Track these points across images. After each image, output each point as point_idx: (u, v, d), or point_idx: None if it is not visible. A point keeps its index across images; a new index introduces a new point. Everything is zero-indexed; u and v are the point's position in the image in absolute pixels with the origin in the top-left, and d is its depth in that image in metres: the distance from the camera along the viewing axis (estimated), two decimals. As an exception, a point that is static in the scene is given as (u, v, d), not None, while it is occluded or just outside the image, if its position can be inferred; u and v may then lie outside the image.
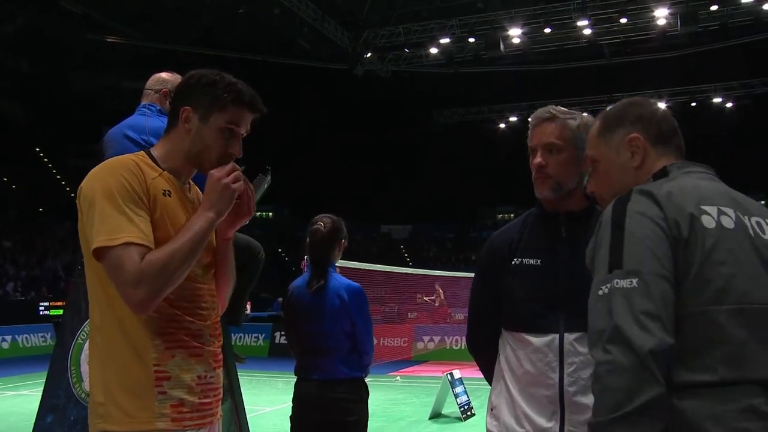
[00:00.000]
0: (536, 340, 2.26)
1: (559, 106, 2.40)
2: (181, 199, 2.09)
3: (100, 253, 1.88)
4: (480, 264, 2.55)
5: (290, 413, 3.77)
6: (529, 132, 2.42)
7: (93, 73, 27.19)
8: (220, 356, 2.13)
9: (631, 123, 1.92)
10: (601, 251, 1.70)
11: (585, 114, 2.40)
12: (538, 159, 2.33)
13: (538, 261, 2.32)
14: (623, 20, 18.86)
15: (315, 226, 3.79)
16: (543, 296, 2.28)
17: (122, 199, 1.91)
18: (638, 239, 1.64)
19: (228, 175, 2.05)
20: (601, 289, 1.64)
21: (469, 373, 13.02)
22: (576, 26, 19.75)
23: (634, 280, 1.59)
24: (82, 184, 1.98)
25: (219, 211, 2.04)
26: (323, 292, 3.71)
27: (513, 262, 2.35)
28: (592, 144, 1.99)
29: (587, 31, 19.78)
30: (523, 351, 2.30)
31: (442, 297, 20.04)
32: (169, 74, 3.72)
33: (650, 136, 1.91)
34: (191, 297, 2.05)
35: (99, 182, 1.94)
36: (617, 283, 1.61)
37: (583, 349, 2.19)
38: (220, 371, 2.13)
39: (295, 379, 3.78)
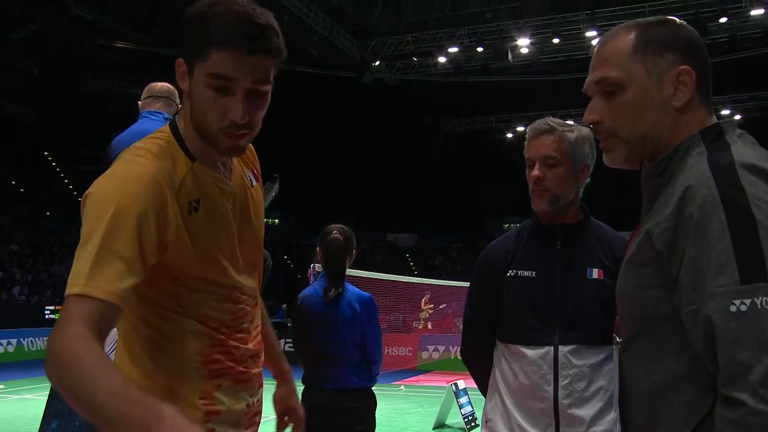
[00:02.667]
0: (531, 353, 2.27)
1: (557, 119, 2.40)
2: (216, 207, 1.62)
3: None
4: (475, 275, 2.55)
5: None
6: (526, 143, 2.41)
7: (102, 78, 27.32)
8: (262, 377, 1.79)
9: (682, 51, 1.50)
10: (716, 248, 1.29)
11: (584, 128, 2.40)
12: (536, 172, 2.33)
13: (533, 273, 2.33)
14: (632, 31, 18.87)
15: (332, 236, 3.81)
16: (538, 309, 2.29)
17: (118, 233, 1.40)
18: None
19: None
20: (735, 304, 1.25)
21: (474, 384, 12.99)
22: (584, 37, 19.79)
23: None
24: (89, 192, 1.48)
25: None
26: (336, 302, 3.73)
27: (508, 274, 2.36)
28: (618, 61, 1.52)
29: (596, 42, 19.78)
30: (518, 363, 2.31)
31: (425, 308, 19.63)
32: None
33: (700, 76, 1.50)
34: (233, 319, 1.68)
35: (106, 200, 1.43)
36: (765, 303, 1.24)
37: (578, 362, 2.22)
38: (262, 392, 1.79)
39: (303, 388, 3.79)
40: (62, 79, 26.70)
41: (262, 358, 1.80)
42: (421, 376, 16.71)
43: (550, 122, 2.37)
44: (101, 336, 1.34)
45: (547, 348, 2.25)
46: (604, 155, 1.61)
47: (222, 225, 1.64)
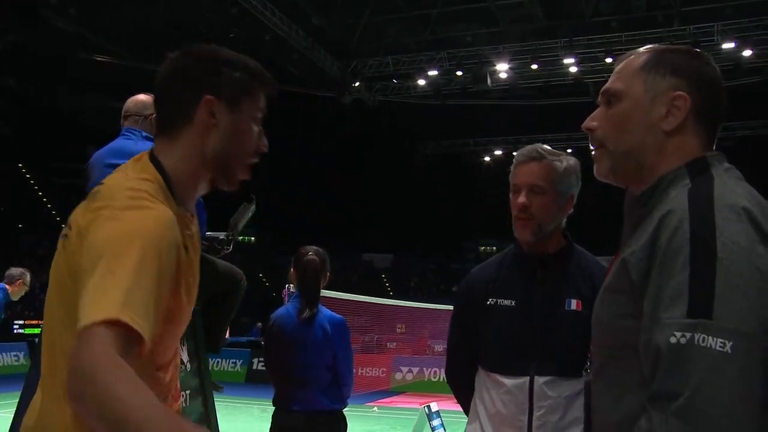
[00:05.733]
0: (508, 382, 2.28)
1: (546, 146, 2.39)
2: (194, 249, 1.63)
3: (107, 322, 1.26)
4: (457, 302, 2.56)
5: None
6: (512, 168, 2.39)
7: (80, 92, 27.15)
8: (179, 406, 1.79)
9: (687, 79, 1.51)
10: (675, 280, 1.30)
11: (571, 158, 2.41)
12: (522, 199, 2.31)
13: (513, 302, 2.32)
14: (609, 60, 19.12)
15: (308, 257, 3.80)
16: (515, 339, 2.29)
17: (145, 271, 1.34)
18: (737, 284, 1.27)
19: None
20: (675, 336, 1.27)
21: (448, 406, 12.94)
22: (563, 64, 20.01)
23: (728, 344, 1.23)
24: (108, 223, 1.40)
25: None
26: (309, 323, 3.71)
27: (488, 302, 2.36)
28: (624, 75, 1.57)
29: (573, 69, 20.05)
30: (496, 391, 2.31)
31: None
32: (150, 96, 3.70)
33: (699, 105, 1.51)
34: (173, 357, 1.67)
35: (139, 234, 1.38)
36: (703, 340, 1.24)
37: (553, 393, 2.23)
38: None
39: (274, 409, 3.76)
40: (39, 92, 26.50)
41: (179, 400, 1.78)
42: (394, 398, 16.62)
43: (539, 149, 2.35)
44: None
45: (524, 378, 2.25)
46: (594, 166, 1.62)
47: (195, 268, 1.65)
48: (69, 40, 20.76)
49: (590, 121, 1.61)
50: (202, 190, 1.67)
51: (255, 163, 1.68)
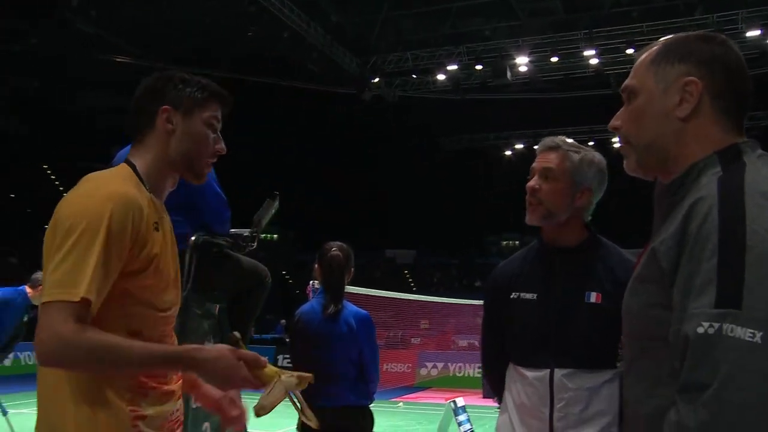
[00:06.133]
0: (530, 374, 2.30)
1: (567, 139, 2.44)
2: (165, 233, 1.95)
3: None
4: (485, 297, 2.62)
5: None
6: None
7: (100, 92, 27.41)
8: (181, 390, 2.02)
9: (698, 63, 1.49)
10: (704, 269, 1.28)
11: (596, 153, 2.44)
12: (532, 182, 2.38)
13: (534, 296, 2.35)
14: (630, 51, 18.95)
15: (332, 253, 3.82)
16: (536, 331, 2.31)
17: (103, 244, 1.71)
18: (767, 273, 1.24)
19: (243, 380, 1.82)
20: (703, 326, 1.25)
21: (473, 401, 12.96)
22: (583, 56, 19.85)
23: (758, 334, 1.20)
24: (71, 201, 1.82)
25: (201, 377, 1.87)
26: (334, 319, 3.72)
27: (512, 296, 2.39)
28: (638, 71, 1.58)
29: (594, 61, 19.88)
30: (521, 383, 2.34)
31: None
32: None
33: (715, 88, 1.49)
34: (159, 336, 1.92)
35: (93, 214, 1.74)
36: (731, 330, 1.22)
37: (573, 385, 2.23)
38: (181, 402, 2.02)
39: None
40: (60, 93, 26.80)
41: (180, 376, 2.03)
42: (419, 393, 16.65)
43: (557, 140, 2.41)
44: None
45: (545, 371, 2.27)
46: (624, 162, 1.63)
47: (170, 246, 1.98)
48: (88, 41, 20.96)
49: (614, 121, 1.62)
50: (171, 186, 2.03)
51: (214, 161, 2.06)
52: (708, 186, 1.39)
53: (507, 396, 2.41)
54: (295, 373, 1.93)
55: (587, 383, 2.22)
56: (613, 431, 2.19)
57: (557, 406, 2.23)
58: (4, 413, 7.74)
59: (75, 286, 1.68)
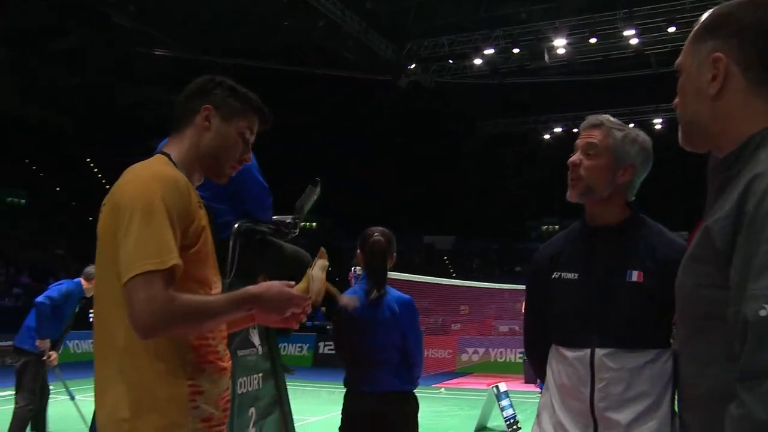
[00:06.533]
0: (570, 354, 2.28)
1: (611, 117, 2.42)
2: (203, 211, 2.07)
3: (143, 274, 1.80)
4: (527, 279, 2.60)
5: (339, 425, 3.79)
6: None
7: (141, 86, 27.77)
8: (230, 368, 2.14)
9: (726, 36, 1.43)
10: (764, 245, 1.22)
11: (641, 132, 2.42)
12: (573, 157, 2.37)
13: (576, 275, 2.33)
14: (671, 29, 18.57)
15: (375, 238, 3.82)
16: (577, 311, 2.29)
17: (166, 216, 1.86)
18: None
19: (300, 307, 2.11)
20: (765, 308, 1.20)
21: (515, 386, 12.93)
22: (622, 36, 19.52)
23: None
24: (122, 187, 1.93)
25: (261, 310, 2.07)
26: (377, 304, 3.73)
27: (553, 276, 2.38)
28: (685, 49, 1.56)
29: (634, 41, 19.53)
30: (562, 364, 2.32)
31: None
32: None
33: (746, 60, 1.41)
34: None
35: (146, 193, 1.88)
36: None
37: (615, 365, 2.20)
38: (230, 381, 2.14)
39: (344, 391, 3.81)
40: (102, 87, 27.19)
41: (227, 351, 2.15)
42: (461, 379, 16.66)
43: (601, 117, 2.40)
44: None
45: (585, 350, 2.24)
46: None
47: (208, 226, 2.07)
48: (129, 36, 21.24)
49: (675, 100, 1.62)
50: (197, 180, 2.13)
51: (238, 168, 2.19)
52: (767, 161, 1.34)
53: (549, 377, 2.40)
54: (314, 261, 2.31)
55: (629, 363, 2.19)
56: (656, 414, 2.15)
57: (598, 386, 2.20)
58: (72, 398, 8.01)
59: (161, 255, 1.81)
